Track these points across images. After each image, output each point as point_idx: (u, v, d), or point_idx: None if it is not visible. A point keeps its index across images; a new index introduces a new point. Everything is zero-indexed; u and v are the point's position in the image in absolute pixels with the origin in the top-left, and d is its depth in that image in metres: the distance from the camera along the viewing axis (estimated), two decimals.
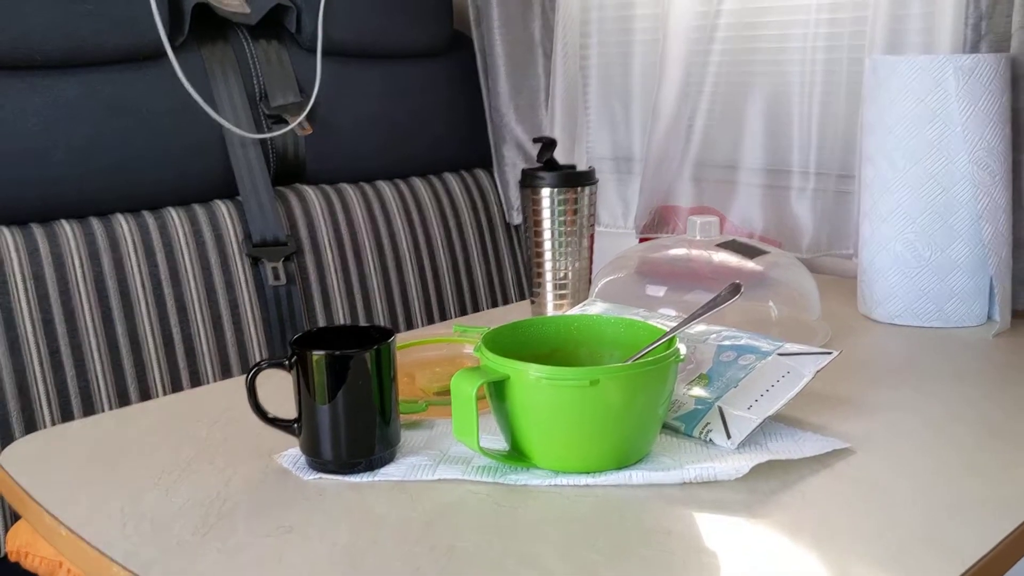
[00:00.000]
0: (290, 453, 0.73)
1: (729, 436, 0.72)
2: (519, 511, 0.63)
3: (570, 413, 0.65)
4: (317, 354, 0.67)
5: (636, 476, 0.66)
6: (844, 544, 0.58)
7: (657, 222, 1.35)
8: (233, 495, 0.67)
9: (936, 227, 1.00)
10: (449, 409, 0.69)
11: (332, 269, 1.34)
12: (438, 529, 0.61)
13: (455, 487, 0.67)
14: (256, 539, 0.60)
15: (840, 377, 0.88)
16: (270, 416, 0.71)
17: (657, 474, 0.66)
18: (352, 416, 0.68)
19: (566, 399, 0.65)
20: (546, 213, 1.05)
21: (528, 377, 0.65)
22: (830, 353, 0.77)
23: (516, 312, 1.16)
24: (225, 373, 1.23)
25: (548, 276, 1.07)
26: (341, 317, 1.33)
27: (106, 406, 1.13)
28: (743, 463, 0.67)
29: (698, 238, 1.01)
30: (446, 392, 0.83)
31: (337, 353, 0.67)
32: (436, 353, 0.91)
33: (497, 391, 0.67)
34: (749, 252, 0.98)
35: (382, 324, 1.37)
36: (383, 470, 0.69)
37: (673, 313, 0.95)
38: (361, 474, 0.69)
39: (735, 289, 0.72)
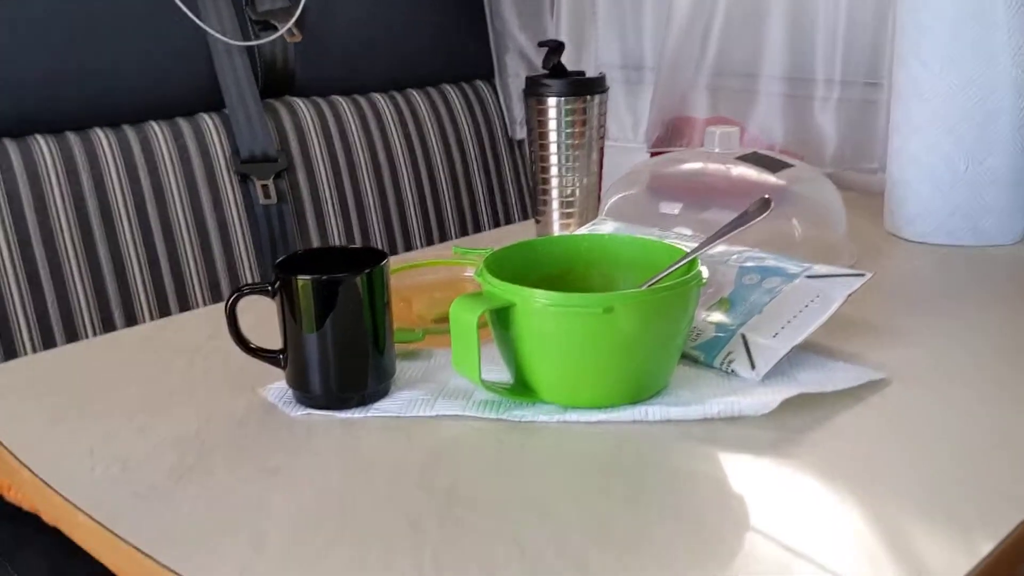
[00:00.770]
0: (276, 387, 0.67)
1: (753, 367, 0.66)
2: (524, 450, 0.58)
3: (581, 343, 0.59)
4: (303, 279, 0.61)
5: (653, 411, 0.60)
6: (882, 488, 0.53)
7: (671, 135, 1.27)
8: (213, 434, 0.61)
9: (973, 137, 0.93)
10: (448, 338, 0.63)
11: (325, 187, 1.27)
12: (436, 470, 0.56)
13: (455, 424, 0.61)
14: (237, 483, 0.55)
15: (869, 301, 0.81)
16: (253, 346, 0.65)
17: (676, 409, 0.60)
18: (342, 347, 0.62)
19: (577, 328, 0.59)
20: (552, 124, 0.98)
21: (535, 304, 0.59)
22: (862, 275, 0.71)
23: (520, 232, 1.10)
24: (215, 296, 1.17)
25: (554, 193, 1.00)
26: (335, 237, 1.27)
27: (90, 332, 1.08)
28: (771, 397, 0.61)
29: (716, 151, 0.93)
30: (445, 319, 0.76)
31: (324, 278, 0.61)
32: (434, 277, 0.85)
33: (500, 319, 0.61)
34: (771, 166, 0.91)
35: (378, 245, 1.31)
36: (377, 405, 0.64)
37: (689, 232, 0.88)
38: (353, 410, 0.63)
39: (764, 204, 0.65)
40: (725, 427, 0.60)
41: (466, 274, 0.85)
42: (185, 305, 1.14)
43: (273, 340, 0.66)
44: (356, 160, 1.30)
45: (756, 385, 0.65)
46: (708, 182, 0.92)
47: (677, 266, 0.65)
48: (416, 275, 0.85)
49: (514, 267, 0.68)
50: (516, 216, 1.46)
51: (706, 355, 0.69)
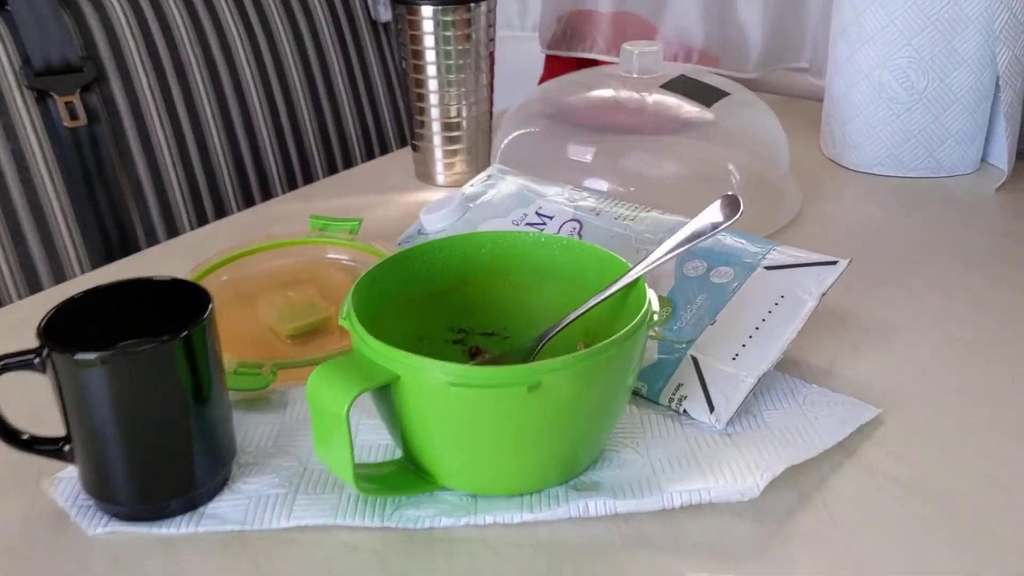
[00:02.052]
0: (68, 478, 0.48)
1: (712, 408, 0.51)
2: None
3: (498, 427, 0.43)
4: (84, 358, 0.41)
5: (595, 506, 0.45)
6: None
7: (569, 34, 1.07)
8: None
9: (936, 50, 0.78)
10: (310, 370, 0.45)
11: (149, 100, 1.03)
12: None
13: (324, 539, 0.44)
14: None
15: None
16: (25, 437, 0.46)
17: (625, 503, 0.45)
18: (153, 437, 0.44)
19: (491, 410, 0.42)
20: (429, 40, 0.77)
21: (429, 380, 0.41)
22: (834, 262, 0.56)
23: (398, 165, 0.90)
24: (20, 252, 0.94)
25: (436, 127, 0.81)
26: (169, 165, 1.04)
27: None
28: (747, 480, 0.45)
29: (635, 76, 0.75)
30: (304, 335, 0.58)
31: (116, 353, 0.41)
32: (286, 263, 0.65)
33: (382, 392, 0.44)
34: (703, 96, 0.74)
35: (223, 167, 1.09)
36: (211, 510, 0.46)
37: (605, 187, 0.71)
38: (176, 520, 0.45)
39: (733, 205, 0.48)
40: (689, 520, 0.45)
41: (329, 256, 0.66)
42: None
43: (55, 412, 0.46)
44: (186, 62, 1.06)
45: (719, 440, 0.49)
46: (626, 119, 0.74)
47: (616, 290, 0.48)
48: (261, 262, 0.65)
49: (393, 286, 0.50)
50: (388, 121, 1.25)
51: (649, 388, 0.53)
